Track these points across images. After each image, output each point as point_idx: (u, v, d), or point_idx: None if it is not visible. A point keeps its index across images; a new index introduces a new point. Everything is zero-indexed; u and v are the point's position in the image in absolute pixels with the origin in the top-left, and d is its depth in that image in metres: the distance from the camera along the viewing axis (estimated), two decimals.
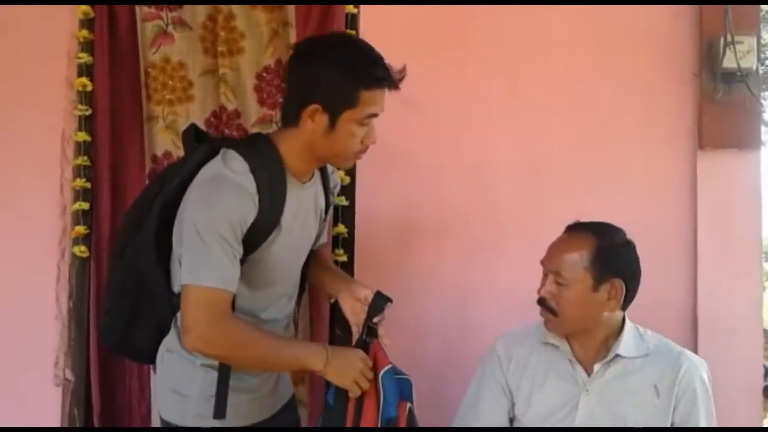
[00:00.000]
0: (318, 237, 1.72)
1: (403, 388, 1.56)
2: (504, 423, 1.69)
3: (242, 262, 1.48)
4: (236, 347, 1.45)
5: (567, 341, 1.66)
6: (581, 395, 1.62)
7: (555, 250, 1.64)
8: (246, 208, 1.45)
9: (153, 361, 1.60)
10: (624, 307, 1.65)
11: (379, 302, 1.58)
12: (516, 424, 1.70)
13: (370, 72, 1.48)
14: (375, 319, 1.58)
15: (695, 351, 2.11)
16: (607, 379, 1.62)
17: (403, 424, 1.50)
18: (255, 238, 1.48)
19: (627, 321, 1.67)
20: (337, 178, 1.79)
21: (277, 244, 1.52)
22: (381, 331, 1.58)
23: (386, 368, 1.53)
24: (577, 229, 1.65)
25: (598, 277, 1.58)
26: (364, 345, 1.57)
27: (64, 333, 2.13)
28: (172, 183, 1.52)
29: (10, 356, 2.12)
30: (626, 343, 1.63)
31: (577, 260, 1.58)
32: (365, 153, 1.56)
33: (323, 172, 1.68)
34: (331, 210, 1.80)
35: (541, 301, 1.63)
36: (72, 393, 2.13)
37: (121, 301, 1.57)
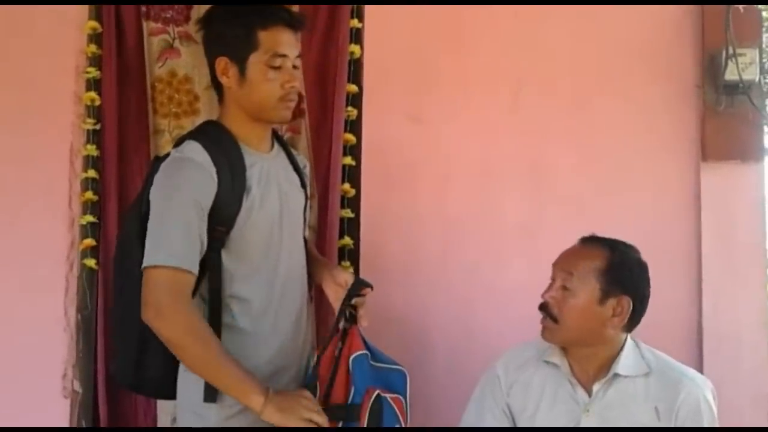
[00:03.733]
0: (305, 220, 1.73)
1: (392, 379, 1.56)
2: None
3: (224, 242, 1.50)
4: (187, 335, 1.43)
5: (567, 361, 1.63)
6: (582, 416, 1.59)
7: (568, 255, 1.63)
8: (204, 181, 1.48)
9: (172, 393, 1.58)
10: (629, 329, 1.62)
11: (358, 286, 1.60)
12: None
13: (262, 11, 1.54)
14: (353, 301, 1.59)
15: (700, 362, 2.12)
16: (608, 401, 1.58)
17: (365, 411, 1.47)
18: (227, 210, 1.50)
19: (628, 338, 1.63)
20: (305, 159, 1.83)
21: (256, 215, 1.53)
22: (361, 312, 1.60)
23: (357, 353, 1.53)
24: (591, 240, 1.63)
25: (606, 290, 1.56)
26: (343, 331, 1.57)
27: (72, 345, 2.14)
28: (144, 198, 1.53)
29: (19, 368, 2.13)
30: (625, 362, 1.59)
31: (589, 268, 1.57)
32: (293, 102, 1.59)
33: (287, 150, 1.71)
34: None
35: (543, 306, 1.61)
36: (80, 405, 2.13)
37: (127, 337, 1.54)
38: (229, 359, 1.46)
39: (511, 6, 2.23)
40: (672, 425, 1.55)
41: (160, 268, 1.43)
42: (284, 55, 1.55)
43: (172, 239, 1.45)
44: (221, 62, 1.55)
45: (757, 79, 2.14)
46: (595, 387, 1.59)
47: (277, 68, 1.54)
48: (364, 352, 1.55)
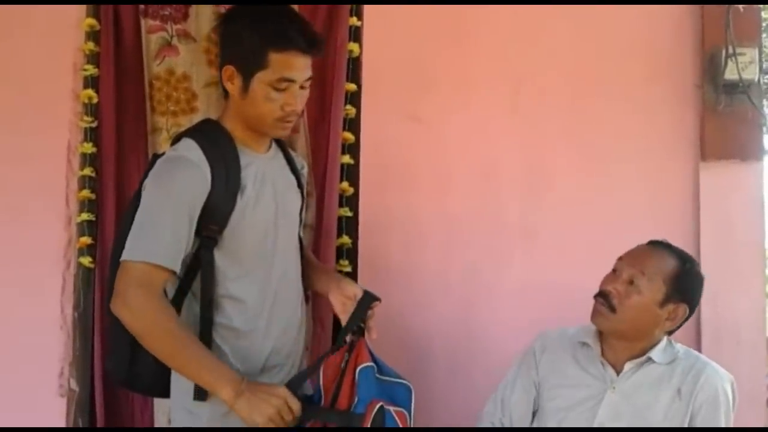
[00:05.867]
0: (301, 221, 1.73)
1: (397, 393, 1.56)
2: (528, 414, 1.74)
3: (217, 241, 1.50)
4: (153, 324, 1.43)
5: (600, 344, 1.69)
6: (607, 392, 1.65)
7: (640, 253, 1.68)
8: (196, 180, 1.48)
9: (166, 391, 1.58)
10: (669, 333, 1.69)
11: (368, 301, 1.61)
12: (539, 414, 1.73)
13: (280, 32, 1.50)
14: None
15: None
16: (635, 381, 1.65)
17: (367, 421, 1.47)
18: (221, 209, 1.50)
19: (664, 336, 1.70)
20: (303, 161, 1.83)
21: (250, 215, 1.54)
22: (370, 323, 1.61)
23: (364, 365, 1.53)
24: (663, 246, 1.69)
25: (669, 295, 1.62)
26: (350, 344, 1.58)
27: (69, 343, 2.13)
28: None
29: (15, 367, 2.12)
30: (658, 352, 1.66)
31: (660, 271, 1.63)
32: (292, 122, 1.58)
33: (286, 151, 1.71)
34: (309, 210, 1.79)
35: (604, 294, 1.65)
36: (77, 403, 2.12)
37: (121, 334, 1.52)
38: (200, 349, 1.45)
39: (510, 5, 2.22)
40: (690, 407, 1.62)
41: (137, 262, 1.44)
42: (291, 80, 1.53)
43: (154, 236, 1.45)
44: (228, 70, 1.55)
45: (756, 79, 2.15)
46: (627, 366, 1.65)
47: (282, 90, 1.52)
48: (371, 364, 1.55)
